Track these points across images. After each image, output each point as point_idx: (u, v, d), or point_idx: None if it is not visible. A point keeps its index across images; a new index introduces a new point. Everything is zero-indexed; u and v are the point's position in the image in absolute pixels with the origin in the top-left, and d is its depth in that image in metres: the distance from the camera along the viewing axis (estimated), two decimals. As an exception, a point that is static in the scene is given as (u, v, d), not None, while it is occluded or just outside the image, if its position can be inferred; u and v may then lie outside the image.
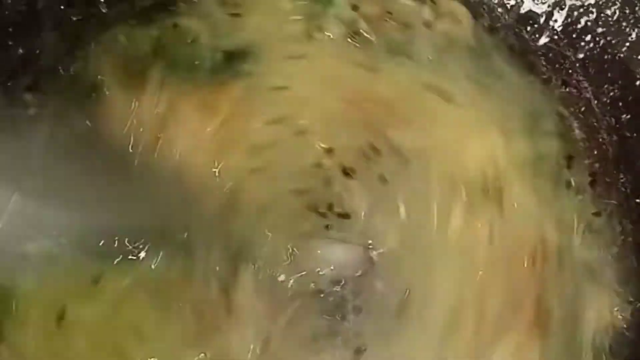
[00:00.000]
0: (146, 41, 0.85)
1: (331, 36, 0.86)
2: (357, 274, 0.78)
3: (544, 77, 0.93)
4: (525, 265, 0.81)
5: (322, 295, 0.77)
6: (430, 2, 0.91)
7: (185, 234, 0.76)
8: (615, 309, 0.83)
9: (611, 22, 0.91)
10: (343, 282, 0.78)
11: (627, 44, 0.91)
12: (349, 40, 0.87)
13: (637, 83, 0.90)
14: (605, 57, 0.93)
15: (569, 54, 0.94)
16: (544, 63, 0.93)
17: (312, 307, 0.77)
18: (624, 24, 0.90)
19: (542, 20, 0.93)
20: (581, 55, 0.94)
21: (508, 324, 0.78)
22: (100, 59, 0.84)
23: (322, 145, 0.81)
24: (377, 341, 0.76)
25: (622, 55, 0.91)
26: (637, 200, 0.89)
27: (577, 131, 0.92)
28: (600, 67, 0.93)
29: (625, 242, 0.87)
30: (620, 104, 0.91)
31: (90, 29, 0.87)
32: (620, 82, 0.91)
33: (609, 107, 0.92)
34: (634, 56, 0.91)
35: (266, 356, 0.75)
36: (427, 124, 0.83)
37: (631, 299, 0.84)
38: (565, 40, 0.94)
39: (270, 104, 0.82)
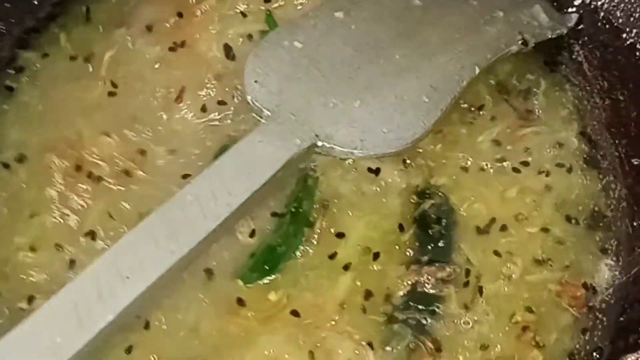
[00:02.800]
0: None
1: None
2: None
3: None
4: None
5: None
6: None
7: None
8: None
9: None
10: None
11: (620, 5, 0.93)
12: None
13: (627, 44, 0.92)
14: (596, 19, 0.94)
15: (561, 19, 0.97)
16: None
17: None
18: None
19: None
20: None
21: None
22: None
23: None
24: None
25: (611, 17, 0.93)
26: (634, 162, 0.90)
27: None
28: (592, 30, 0.95)
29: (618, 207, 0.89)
30: (612, 66, 0.93)
31: None
32: (611, 45, 0.93)
33: (600, 71, 0.94)
34: (624, 19, 0.92)
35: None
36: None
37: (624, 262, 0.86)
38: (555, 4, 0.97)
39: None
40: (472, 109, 0.93)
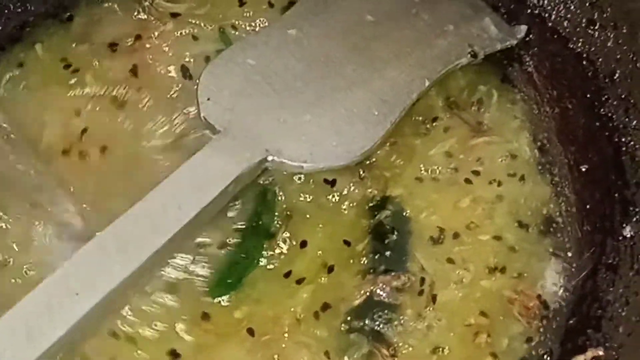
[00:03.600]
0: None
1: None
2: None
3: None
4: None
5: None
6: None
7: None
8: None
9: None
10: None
11: (567, 16, 0.96)
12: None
13: (574, 53, 0.95)
14: (544, 30, 0.98)
15: (511, 31, 1.00)
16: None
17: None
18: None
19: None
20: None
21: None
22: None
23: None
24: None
25: (559, 27, 0.96)
26: (582, 169, 0.93)
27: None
28: (541, 41, 0.98)
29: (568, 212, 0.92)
30: (561, 76, 0.96)
31: None
32: (559, 54, 0.96)
33: (550, 80, 0.97)
34: (571, 28, 0.96)
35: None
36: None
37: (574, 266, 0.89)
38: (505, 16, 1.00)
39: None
40: (426, 121, 0.95)
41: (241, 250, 0.86)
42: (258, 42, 0.92)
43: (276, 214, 0.88)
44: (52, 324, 0.70)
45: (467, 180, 0.92)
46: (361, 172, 0.91)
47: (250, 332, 0.83)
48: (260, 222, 0.87)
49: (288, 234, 0.88)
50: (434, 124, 0.95)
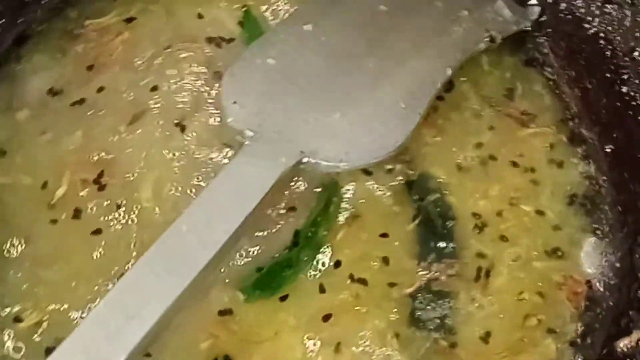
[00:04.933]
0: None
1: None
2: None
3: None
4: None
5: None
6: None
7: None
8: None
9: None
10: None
11: (580, -4, 0.97)
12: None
13: (589, 33, 0.95)
14: (558, 10, 0.98)
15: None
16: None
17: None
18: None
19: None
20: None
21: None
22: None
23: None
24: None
25: (573, 7, 0.97)
26: (607, 149, 0.94)
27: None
28: (555, 21, 0.98)
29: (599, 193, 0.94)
30: (578, 56, 0.97)
31: None
32: (574, 35, 0.97)
33: (567, 61, 0.98)
34: (585, 8, 0.96)
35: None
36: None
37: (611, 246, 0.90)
38: (519, -1, 1.00)
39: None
40: (462, 107, 0.96)
41: (290, 258, 0.86)
42: (275, 40, 0.91)
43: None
44: (112, 350, 0.69)
45: (507, 167, 0.93)
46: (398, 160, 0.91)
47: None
48: (316, 234, 0.87)
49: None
50: (472, 113, 0.97)
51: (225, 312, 0.83)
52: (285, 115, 0.85)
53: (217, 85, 0.91)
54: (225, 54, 0.94)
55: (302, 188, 0.89)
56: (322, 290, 0.85)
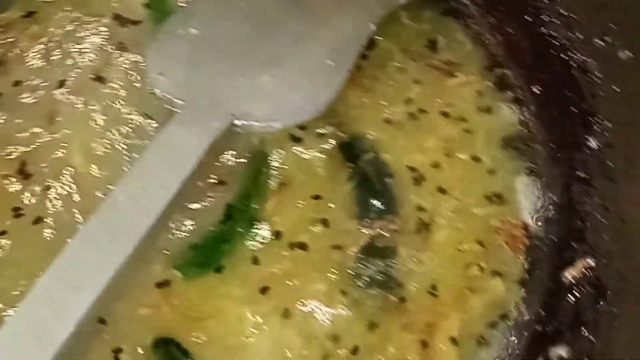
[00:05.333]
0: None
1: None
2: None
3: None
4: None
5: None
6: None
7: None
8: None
9: None
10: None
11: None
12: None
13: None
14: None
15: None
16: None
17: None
18: None
19: None
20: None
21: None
22: None
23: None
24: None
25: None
26: (535, 90, 0.96)
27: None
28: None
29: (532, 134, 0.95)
30: (497, 3, 0.99)
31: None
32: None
33: (486, 9, 0.99)
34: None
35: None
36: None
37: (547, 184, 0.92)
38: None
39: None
40: (387, 64, 0.97)
41: (225, 232, 0.85)
42: (196, 10, 0.91)
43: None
44: (60, 322, 0.68)
45: (437, 118, 0.94)
46: (327, 122, 0.91)
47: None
48: (249, 206, 0.86)
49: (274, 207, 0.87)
50: (397, 69, 0.97)
51: (163, 284, 0.82)
52: (213, 81, 0.85)
53: (124, 56, 0.92)
54: (130, 33, 0.95)
55: (231, 162, 0.88)
56: (261, 261, 0.85)
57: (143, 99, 0.89)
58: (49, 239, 0.84)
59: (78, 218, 0.84)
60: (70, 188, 0.86)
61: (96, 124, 0.89)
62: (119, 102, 0.90)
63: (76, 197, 0.85)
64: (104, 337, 0.80)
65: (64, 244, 0.75)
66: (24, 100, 0.91)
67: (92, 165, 0.87)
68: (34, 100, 0.90)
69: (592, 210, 0.87)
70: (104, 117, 0.89)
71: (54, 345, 0.68)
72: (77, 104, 0.90)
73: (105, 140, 0.88)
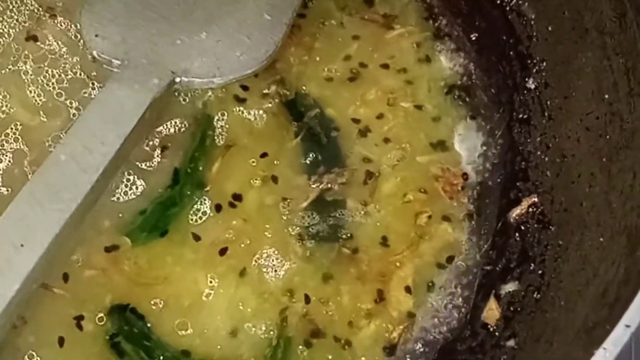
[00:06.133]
0: None
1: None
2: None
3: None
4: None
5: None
6: None
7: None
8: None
9: None
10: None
11: None
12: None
13: None
14: None
15: None
16: None
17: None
18: None
19: None
20: None
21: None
22: None
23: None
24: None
25: None
26: (472, 37, 0.98)
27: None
28: None
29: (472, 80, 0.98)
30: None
31: None
32: None
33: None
34: None
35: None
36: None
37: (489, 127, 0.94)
38: None
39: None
40: (325, 21, 0.98)
41: (173, 196, 0.86)
42: None
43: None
44: (4, 280, 0.69)
45: (378, 71, 0.96)
46: (270, 80, 0.93)
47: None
48: (196, 169, 0.88)
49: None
50: (332, 22, 0.98)
51: (111, 249, 0.83)
52: (150, 41, 0.86)
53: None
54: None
55: (176, 127, 0.89)
56: (211, 222, 0.86)
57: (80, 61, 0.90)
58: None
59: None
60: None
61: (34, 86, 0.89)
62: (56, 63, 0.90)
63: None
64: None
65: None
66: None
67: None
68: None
69: (534, 149, 0.89)
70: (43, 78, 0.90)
71: (0, 302, 0.68)
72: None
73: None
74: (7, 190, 0.83)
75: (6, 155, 0.86)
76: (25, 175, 0.84)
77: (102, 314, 0.80)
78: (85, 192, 0.74)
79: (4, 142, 0.86)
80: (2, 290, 0.69)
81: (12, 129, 0.87)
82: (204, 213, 0.86)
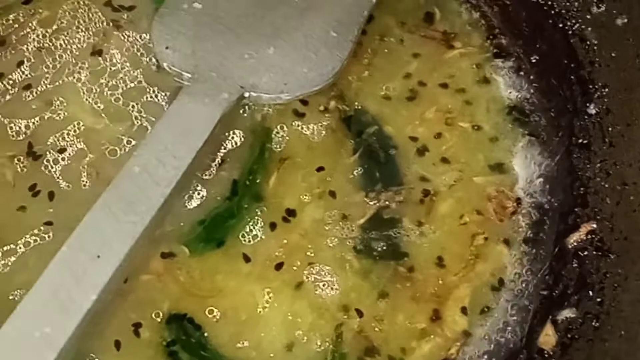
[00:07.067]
0: None
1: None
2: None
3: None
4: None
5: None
6: None
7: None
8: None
9: None
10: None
11: None
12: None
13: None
14: None
15: None
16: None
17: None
18: None
19: None
20: None
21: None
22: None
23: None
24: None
25: None
26: (533, 60, 0.99)
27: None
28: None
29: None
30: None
31: None
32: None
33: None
34: None
35: None
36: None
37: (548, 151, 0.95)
38: None
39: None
40: (385, 37, 0.99)
41: (231, 208, 0.87)
42: None
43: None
44: (82, 290, 0.71)
45: (437, 90, 0.97)
46: (331, 97, 0.94)
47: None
48: (255, 182, 0.89)
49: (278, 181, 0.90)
50: (391, 39, 0.99)
51: (168, 255, 0.85)
52: (219, 55, 0.88)
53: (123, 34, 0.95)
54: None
55: (236, 138, 0.90)
56: (269, 235, 0.87)
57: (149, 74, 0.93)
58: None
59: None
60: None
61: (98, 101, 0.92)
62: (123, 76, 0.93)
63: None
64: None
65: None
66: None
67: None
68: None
69: (593, 175, 0.89)
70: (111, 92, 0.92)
71: (78, 312, 0.70)
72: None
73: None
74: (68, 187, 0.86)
75: (69, 153, 0.88)
76: (86, 175, 0.87)
77: (160, 321, 0.82)
78: (158, 205, 0.76)
79: (66, 139, 0.89)
80: (80, 301, 0.71)
81: (73, 129, 0.90)
82: (261, 228, 0.87)
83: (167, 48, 0.87)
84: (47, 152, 0.88)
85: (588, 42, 0.92)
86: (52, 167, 0.87)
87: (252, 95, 0.87)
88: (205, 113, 0.82)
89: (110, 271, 0.72)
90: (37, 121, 0.89)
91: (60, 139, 0.89)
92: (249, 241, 0.86)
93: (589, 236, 0.86)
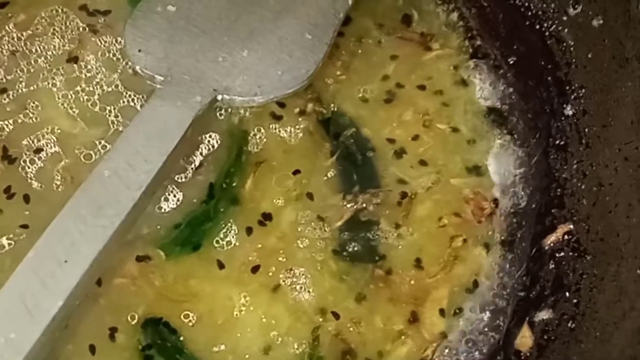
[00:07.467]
0: None
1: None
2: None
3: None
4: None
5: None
6: None
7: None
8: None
9: None
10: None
11: None
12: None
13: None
14: None
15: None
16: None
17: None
18: None
19: None
20: None
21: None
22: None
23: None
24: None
25: None
26: (510, 61, 0.99)
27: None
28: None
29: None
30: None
31: None
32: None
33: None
34: None
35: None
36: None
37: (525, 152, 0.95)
38: None
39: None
40: (363, 39, 0.99)
41: (207, 211, 0.87)
42: None
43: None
44: (49, 295, 0.70)
45: (414, 92, 0.97)
46: (307, 99, 0.94)
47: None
48: (231, 185, 0.89)
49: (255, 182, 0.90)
50: (369, 41, 1.00)
51: (143, 258, 0.85)
52: (192, 57, 0.88)
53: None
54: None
55: (212, 141, 0.91)
56: (245, 238, 0.87)
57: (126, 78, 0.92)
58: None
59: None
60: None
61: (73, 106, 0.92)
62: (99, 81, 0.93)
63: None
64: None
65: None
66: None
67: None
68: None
69: (570, 177, 0.89)
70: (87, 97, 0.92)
71: (44, 318, 0.70)
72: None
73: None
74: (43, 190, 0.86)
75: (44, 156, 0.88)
76: (60, 179, 0.87)
77: (135, 325, 0.82)
78: (128, 208, 0.76)
79: (42, 142, 0.89)
80: (46, 306, 0.70)
81: (49, 133, 0.90)
82: (236, 231, 0.87)
83: (139, 51, 0.87)
84: (23, 154, 0.88)
85: (564, 44, 0.92)
86: (27, 170, 0.87)
87: (225, 98, 0.86)
88: (177, 116, 0.82)
89: (77, 276, 0.72)
90: (11, 124, 0.89)
91: (36, 140, 0.88)
92: (225, 245, 0.86)
93: (566, 237, 0.86)
